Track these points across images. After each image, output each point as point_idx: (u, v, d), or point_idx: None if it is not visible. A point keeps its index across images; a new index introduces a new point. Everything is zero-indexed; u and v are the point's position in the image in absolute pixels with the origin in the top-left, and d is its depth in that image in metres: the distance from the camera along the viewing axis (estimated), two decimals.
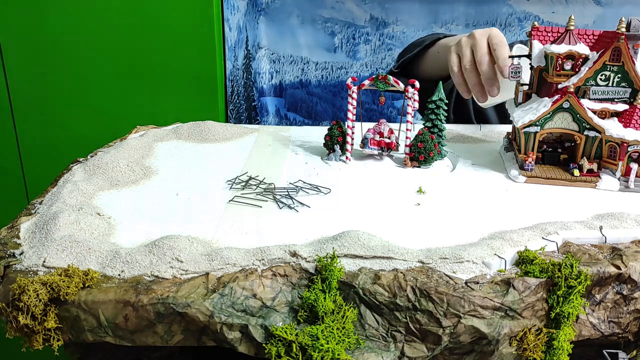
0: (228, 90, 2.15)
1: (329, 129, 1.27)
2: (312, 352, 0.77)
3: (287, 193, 1.08)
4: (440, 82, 1.31)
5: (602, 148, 1.15)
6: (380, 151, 1.27)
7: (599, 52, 1.13)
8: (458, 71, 1.40)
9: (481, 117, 1.77)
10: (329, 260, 0.84)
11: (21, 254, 0.88)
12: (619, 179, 1.13)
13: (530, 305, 0.83)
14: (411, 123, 1.24)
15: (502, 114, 1.76)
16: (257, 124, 2.27)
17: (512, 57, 1.26)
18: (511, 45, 1.44)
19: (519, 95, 1.26)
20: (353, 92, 1.23)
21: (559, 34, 1.16)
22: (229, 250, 0.87)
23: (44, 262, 0.86)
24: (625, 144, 1.11)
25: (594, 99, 1.15)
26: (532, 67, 1.23)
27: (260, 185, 1.12)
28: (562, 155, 1.20)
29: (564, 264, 0.84)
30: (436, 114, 1.26)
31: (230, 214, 1.01)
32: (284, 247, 0.88)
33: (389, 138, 1.26)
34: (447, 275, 0.84)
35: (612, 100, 1.15)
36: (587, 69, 1.13)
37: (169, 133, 1.41)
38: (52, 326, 0.80)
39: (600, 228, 0.95)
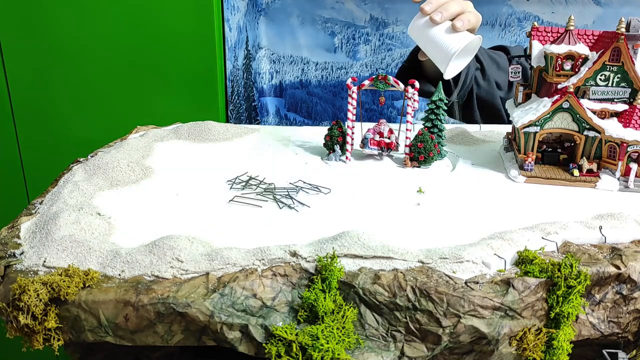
0: (228, 91, 2.15)
1: (329, 129, 1.27)
2: (312, 352, 0.77)
3: (287, 193, 1.08)
4: (440, 82, 1.31)
5: (601, 148, 1.15)
6: (380, 151, 1.27)
7: (599, 52, 1.13)
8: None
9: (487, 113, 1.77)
10: (329, 260, 0.84)
11: (21, 253, 0.88)
12: (618, 179, 1.13)
13: (530, 305, 0.83)
14: (411, 123, 1.24)
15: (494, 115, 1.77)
16: (257, 124, 2.27)
17: (512, 57, 1.26)
18: None
19: (519, 96, 1.26)
20: (353, 92, 1.23)
21: (559, 34, 1.16)
22: (229, 250, 0.87)
23: (45, 262, 0.86)
24: (624, 144, 1.11)
25: (594, 99, 1.15)
26: (531, 67, 1.23)
27: (260, 185, 1.12)
28: (561, 155, 1.20)
29: (563, 264, 0.84)
30: (436, 114, 1.26)
31: (230, 214, 1.01)
32: (284, 247, 0.88)
33: (389, 138, 1.26)
34: (447, 275, 0.84)
35: (611, 101, 1.15)
36: (586, 69, 1.13)
37: (169, 133, 1.41)
38: (52, 326, 0.80)
39: (600, 228, 0.95)
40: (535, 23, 1.20)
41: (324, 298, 0.81)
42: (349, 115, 1.24)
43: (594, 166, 1.15)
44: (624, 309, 0.89)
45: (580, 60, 1.14)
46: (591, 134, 1.14)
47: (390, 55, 2.14)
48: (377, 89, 1.22)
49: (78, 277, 0.81)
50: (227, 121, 2.14)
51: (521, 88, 1.26)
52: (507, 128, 1.40)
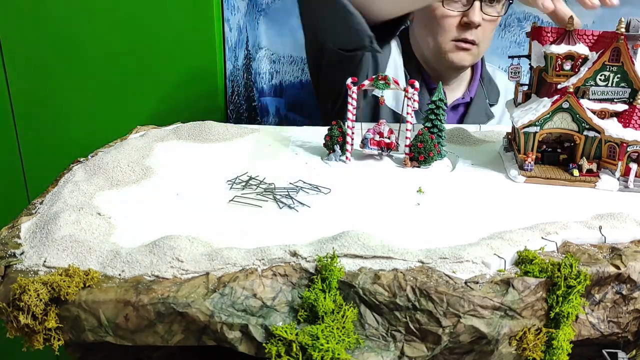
0: (228, 91, 2.15)
1: (329, 129, 1.27)
2: (312, 352, 0.77)
3: (287, 193, 1.09)
4: (440, 82, 1.31)
5: (601, 148, 1.15)
6: (380, 151, 1.27)
7: (599, 53, 1.13)
8: None
9: None
10: (329, 260, 0.84)
11: (22, 253, 0.89)
12: (618, 179, 1.13)
13: (530, 305, 0.83)
14: (411, 123, 1.24)
15: None
16: (257, 124, 2.27)
17: (511, 57, 1.27)
18: None
19: (518, 96, 1.27)
20: (353, 92, 1.23)
21: (559, 34, 1.16)
22: (229, 250, 0.87)
23: (45, 262, 0.86)
24: (624, 144, 1.11)
25: (594, 99, 1.15)
26: (531, 68, 1.23)
27: (260, 185, 1.12)
28: (561, 155, 1.20)
29: (563, 264, 0.84)
30: (436, 114, 1.26)
31: (230, 214, 1.01)
32: (284, 247, 0.88)
33: (389, 138, 1.26)
34: (446, 275, 0.84)
35: (611, 101, 1.15)
36: (586, 69, 1.13)
37: (169, 133, 1.41)
38: (52, 326, 0.80)
39: (600, 228, 0.95)
40: (535, 23, 1.20)
41: (324, 298, 0.81)
42: (349, 115, 1.24)
43: (594, 166, 1.15)
44: (623, 309, 0.89)
45: (580, 60, 1.14)
46: (591, 134, 1.14)
47: None
48: (377, 89, 1.23)
49: (78, 277, 0.81)
50: (227, 121, 2.14)
51: (521, 88, 1.26)
52: (506, 128, 1.40)
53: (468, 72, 1.89)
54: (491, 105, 1.92)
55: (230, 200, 1.06)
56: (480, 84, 1.91)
